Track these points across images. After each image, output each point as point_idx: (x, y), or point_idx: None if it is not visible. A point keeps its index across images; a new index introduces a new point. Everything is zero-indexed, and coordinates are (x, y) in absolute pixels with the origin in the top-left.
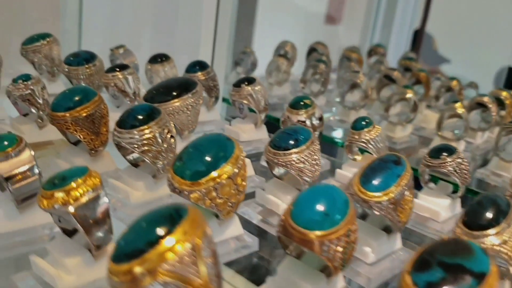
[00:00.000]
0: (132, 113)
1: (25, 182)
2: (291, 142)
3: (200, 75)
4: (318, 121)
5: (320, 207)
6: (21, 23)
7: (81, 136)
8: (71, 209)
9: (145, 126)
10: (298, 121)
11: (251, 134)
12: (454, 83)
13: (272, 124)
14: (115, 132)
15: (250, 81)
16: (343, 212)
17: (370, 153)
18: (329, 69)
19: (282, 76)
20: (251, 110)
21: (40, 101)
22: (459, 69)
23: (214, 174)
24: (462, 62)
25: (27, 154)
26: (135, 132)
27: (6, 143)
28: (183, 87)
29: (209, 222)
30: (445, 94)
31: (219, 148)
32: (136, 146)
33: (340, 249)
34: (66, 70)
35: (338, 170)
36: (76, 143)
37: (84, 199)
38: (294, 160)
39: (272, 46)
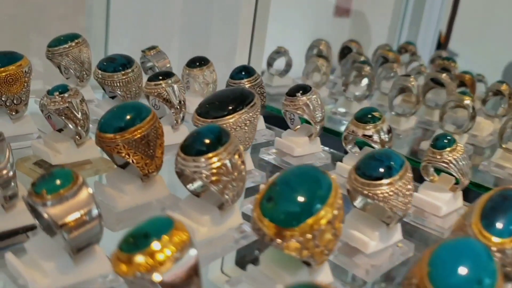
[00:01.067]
0: (199, 137)
1: (83, 229)
2: (382, 170)
3: (246, 82)
4: (386, 136)
5: (465, 270)
6: (41, 20)
7: (134, 161)
8: (157, 277)
9: (214, 153)
10: (364, 135)
11: (305, 148)
12: (504, 87)
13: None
14: (179, 159)
15: (305, 89)
16: (491, 273)
17: (452, 174)
18: (374, 71)
19: (321, 78)
20: (303, 121)
21: (79, 115)
22: (467, 63)
23: (312, 219)
24: (470, 56)
25: (85, 194)
26: (202, 159)
27: (58, 182)
28: (239, 99)
29: (298, 272)
30: (493, 98)
31: (314, 184)
32: (204, 175)
33: None
34: (100, 76)
35: (416, 195)
36: (124, 166)
37: (172, 263)
38: (386, 192)
39: (277, 40)
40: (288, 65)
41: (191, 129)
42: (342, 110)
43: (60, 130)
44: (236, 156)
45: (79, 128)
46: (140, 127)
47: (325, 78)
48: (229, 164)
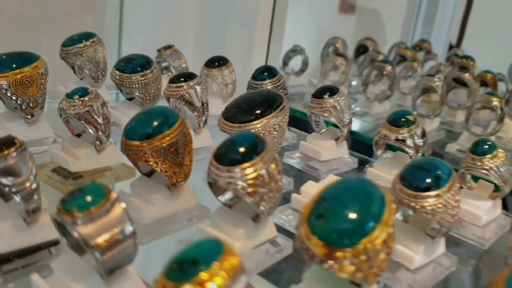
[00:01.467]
0: (233, 145)
1: (116, 250)
2: (429, 180)
3: (268, 83)
4: (420, 140)
5: None
6: (52, 19)
7: (163, 170)
8: None
9: (249, 163)
10: (397, 140)
11: (331, 153)
12: None
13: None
14: (212, 168)
15: (333, 91)
16: None
17: (492, 182)
18: (395, 70)
19: (340, 78)
20: (328, 124)
21: (100, 120)
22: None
23: (366, 239)
24: (474, 54)
25: (118, 210)
26: (237, 170)
27: (89, 198)
28: (266, 102)
29: None
30: None
31: (366, 199)
32: (240, 187)
33: None
34: (117, 77)
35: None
36: (149, 174)
37: None
38: (435, 204)
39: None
40: (305, 64)
41: (213, 133)
42: (357, 109)
43: (78, 135)
44: (273, 166)
45: (100, 133)
46: (169, 134)
47: (344, 78)
48: (265, 174)
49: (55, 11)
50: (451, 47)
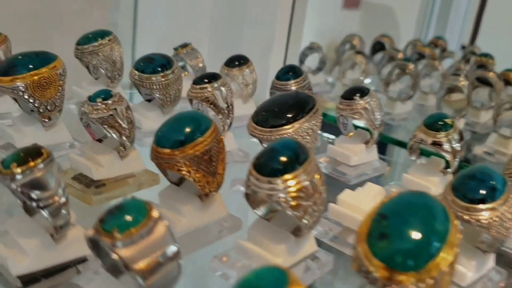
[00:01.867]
0: (274, 154)
1: (159, 274)
2: (484, 192)
3: (293, 84)
4: (458, 144)
5: None
6: (62, 16)
7: (196, 179)
8: None
9: (292, 174)
10: (434, 144)
11: (361, 157)
12: None
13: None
14: (252, 178)
15: (363, 91)
16: None
17: None
18: (417, 69)
19: (359, 76)
20: (356, 127)
21: (124, 124)
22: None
23: (433, 262)
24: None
25: (161, 230)
26: (279, 181)
27: (129, 218)
28: (297, 105)
29: None
30: None
31: (429, 216)
32: (282, 200)
33: None
34: (137, 77)
35: None
36: (179, 182)
37: None
38: (491, 218)
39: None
40: (322, 62)
41: (237, 136)
42: None
43: (99, 140)
44: (317, 176)
45: (124, 138)
46: (202, 141)
47: (364, 76)
48: (309, 186)
49: (65, 8)
50: (463, 48)
